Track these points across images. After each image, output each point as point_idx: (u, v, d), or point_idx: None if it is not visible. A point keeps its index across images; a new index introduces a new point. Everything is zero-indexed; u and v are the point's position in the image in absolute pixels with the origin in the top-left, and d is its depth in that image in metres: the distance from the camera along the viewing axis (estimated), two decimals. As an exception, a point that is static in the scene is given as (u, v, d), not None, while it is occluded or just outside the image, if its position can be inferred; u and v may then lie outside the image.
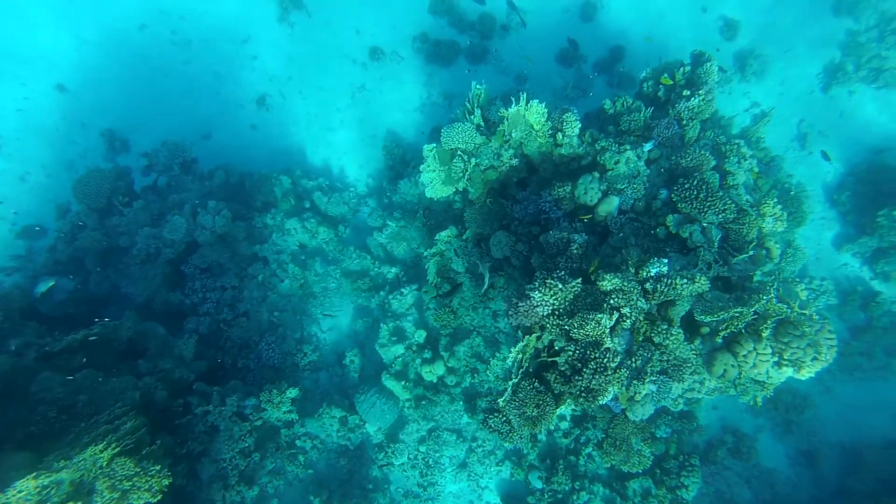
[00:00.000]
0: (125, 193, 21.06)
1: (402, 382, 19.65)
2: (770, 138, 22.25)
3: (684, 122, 17.48)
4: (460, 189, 18.31)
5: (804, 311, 13.19)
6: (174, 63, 24.88)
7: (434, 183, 18.24)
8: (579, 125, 17.05)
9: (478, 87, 17.93)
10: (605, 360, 12.25)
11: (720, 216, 14.65)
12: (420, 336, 20.05)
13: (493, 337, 19.92)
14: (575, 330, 12.55)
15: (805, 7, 25.23)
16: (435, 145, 18.10)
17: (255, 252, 21.64)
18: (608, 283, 13.06)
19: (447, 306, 19.68)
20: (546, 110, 16.98)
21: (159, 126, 24.13)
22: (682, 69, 18.34)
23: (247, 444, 18.05)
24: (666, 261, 13.51)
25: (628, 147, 16.63)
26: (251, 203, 22.33)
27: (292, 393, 19.11)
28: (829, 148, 23.88)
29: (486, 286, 18.40)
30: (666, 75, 18.56)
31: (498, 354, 19.52)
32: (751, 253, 14.16)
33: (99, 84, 24.47)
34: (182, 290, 20.64)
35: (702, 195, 14.74)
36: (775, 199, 15.70)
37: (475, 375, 19.74)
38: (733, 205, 14.78)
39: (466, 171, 17.68)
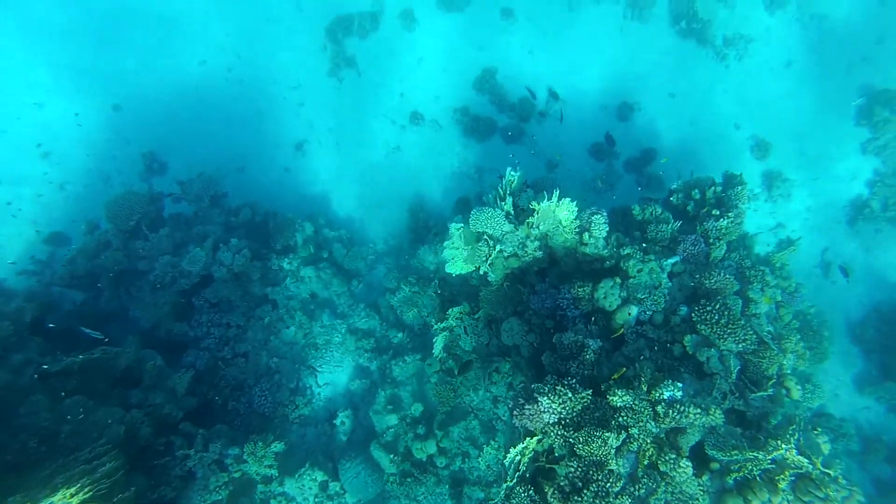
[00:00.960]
0: (154, 219, 21.14)
1: (391, 455, 19.29)
2: (793, 262, 22.21)
3: (711, 240, 17.47)
4: (481, 272, 18.27)
5: (828, 471, 12.66)
6: (223, 98, 25.31)
7: (455, 260, 18.20)
8: (607, 228, 17.07)
9: (512, 173, 18.01)
10: (608, 483, 11.95)
11: (740, 345, 14.49)
12: (417, 409, 19.78)
13: (490, 422, 19.60)
14: (580, 445, 12.31)
15: (835, 140, 25.51)
16: (462, 225, 18.12)
17: (266, 294, 21.56)
18: (619, 399, 12.85)
19: (449, 383, 19.44)
20: (576, 208, 17.02)
21: (198, 153, 24.45)
22: (713, 188, 18.41)
23: (220, 498, 17.64)
24: (681, 385, 13.25)
25: (653, 257, 16.59)
26: (271, 244, 22.33)
27: (277, 447, 18.77)
28: (853, 281, 23.80)
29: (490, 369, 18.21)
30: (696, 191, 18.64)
31: (493, 442, 19.17)
32: (770, 392, 13.93)
33: (150, 106, 24.95)
34: (188, 322, 20.52)
35: (723, 321, 14.63)
36: (798, 336, 15.55)
37: (466, 460, 19.35)
38: (754, 335, 14.63)
39: (490, 255, 17.66)
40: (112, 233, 20.76)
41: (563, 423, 12.83)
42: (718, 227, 17.47)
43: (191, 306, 20.62)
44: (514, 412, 13.24)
